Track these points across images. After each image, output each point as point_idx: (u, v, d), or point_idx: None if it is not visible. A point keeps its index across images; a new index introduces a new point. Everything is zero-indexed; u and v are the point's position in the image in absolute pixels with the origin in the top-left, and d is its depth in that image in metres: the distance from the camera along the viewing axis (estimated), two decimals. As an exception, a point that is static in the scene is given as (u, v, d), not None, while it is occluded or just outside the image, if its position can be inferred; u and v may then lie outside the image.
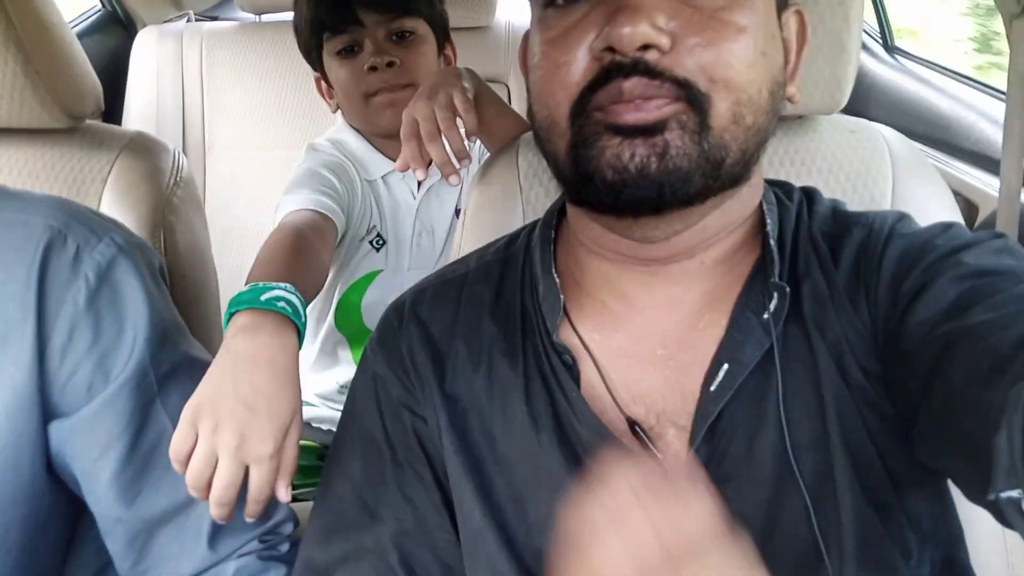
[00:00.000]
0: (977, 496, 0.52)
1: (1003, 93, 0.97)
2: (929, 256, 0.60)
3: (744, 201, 0.64)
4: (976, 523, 0.68)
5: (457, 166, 0.95)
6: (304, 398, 1.40)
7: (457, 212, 1.32)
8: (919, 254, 0.60)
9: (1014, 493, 0.41)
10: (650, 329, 0.65)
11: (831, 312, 0.62)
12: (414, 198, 1.31)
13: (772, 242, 0.63)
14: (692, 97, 0.55)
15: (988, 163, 1.30)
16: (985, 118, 1.34)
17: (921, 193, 0.87)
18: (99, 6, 2.04)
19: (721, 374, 0.61)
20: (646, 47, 0.55)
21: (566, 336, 0.66)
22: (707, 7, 0.56)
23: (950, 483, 0.62)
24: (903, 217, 0.66)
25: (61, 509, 0.75)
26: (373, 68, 1.19)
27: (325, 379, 1.43)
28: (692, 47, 0.56)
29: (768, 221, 0.64)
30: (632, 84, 0.55)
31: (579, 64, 0.58)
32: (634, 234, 0.62)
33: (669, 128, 0.55)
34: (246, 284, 0.82)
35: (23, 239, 0.71)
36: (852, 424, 0.60)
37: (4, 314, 0.70)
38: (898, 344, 0.59)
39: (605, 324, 0.66)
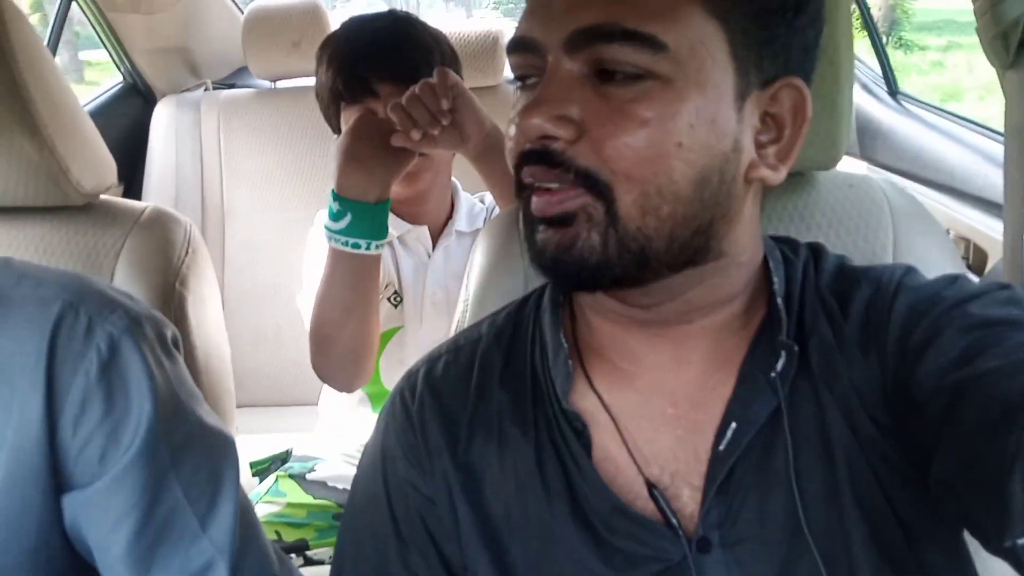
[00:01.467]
0: (994, 545, 0.51)
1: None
2: (937, 308, 0.60)
3: (733, 276, 0.64)
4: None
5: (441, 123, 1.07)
6: (326, 456, 1.43)
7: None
8: (927, 307, 0.60)
9: None
10: (660, 388, 0.65)
11: (840, 366, 0.62)
12: (429, 256, 1.34)
13: (779, 301, 0.63)
14: (595, 188, 0.56)
15: (996, 208, 1.29)
16: (992, 162, 1.34)
17: (922, 244, 0.87)
18: (121, 79, 2.11)
19: (729, 433, 0.61)
20: (549, 137, 0.57)
21: (579, 398, 0.67)
22: (616, 99, 0.56)
23: (967, 535, 0.62)
24: (910, 270, 0.66)
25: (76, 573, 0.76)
26: None
27: (348, 438, 1.45)
28: (596, 139, 0.56)
29: (775, 280, 0.64)
30: (532, 171, 0.58)
31: (514, 143, 0.60)
32: (624, 299, 0.62)
33: (578, 221, 0.57)
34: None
35: (36, 313, 0.73)
36: (863, 477, 0.60)
37: (12, 384, 0.71)
38: (908, 395, 0.59)
39: (616, 384, 0.66)
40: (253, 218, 1.95)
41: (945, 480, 0.55)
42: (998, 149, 1.35)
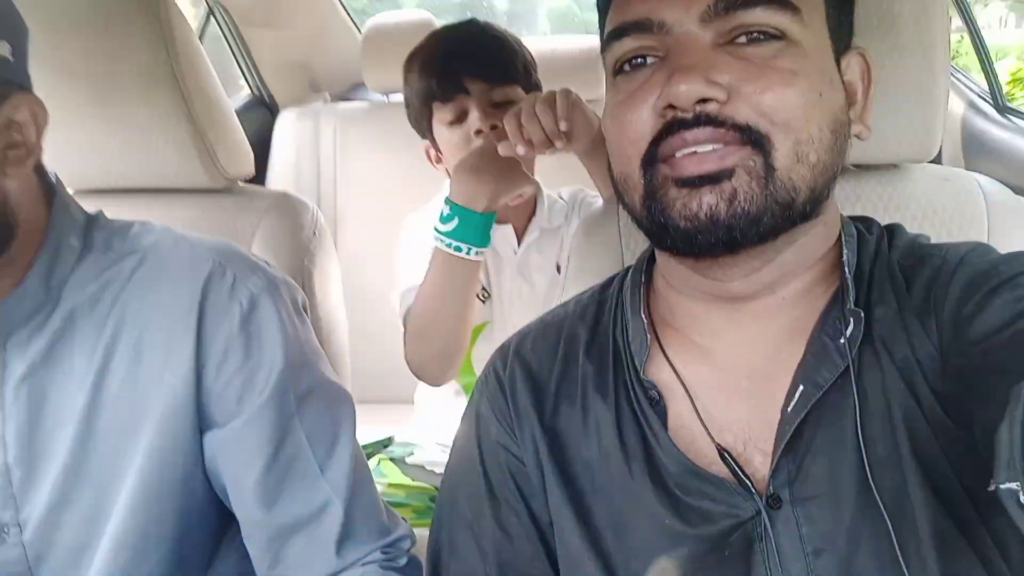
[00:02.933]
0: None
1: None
2: (992, 281, 0.62)
3: (820, 238, 0.68)
4: None
5: (552, 144, 1.10)
6: (423, 442, 1.51)
7: (558, 268, 1.39)
8: (983, 280, 0.63)
9: (1013, 485, 0.43)
10: (735, 363, 0.69)
11: (901, 335, 0.65)
12: (515, 253, 1.41)
13: (847, 272, 0.67)
14: (754, 140, 0.60)
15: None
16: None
17: (1018, 236, 0.88)
18: (248, 91, 2.27)
19: (797, 395, 0.64)
20: (704, 101, 0.60)
21: (657, 371, 0.71)
22: (758, 58, 0.62)
23: None
24: (979, 247, 0.68)
25: (210, 509, 0.85)
26: (479, 132, 1.30)
27: (444, 428, 1.52)
28: (749, 95, 0.61)
29: (846, 252, 0.68)
30: (694, 134, 0.61)
31: (645, 121, 0.63)
32: (714, 274, 0.66)
33: (736, 175, 0.61)
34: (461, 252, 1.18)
35: (191, 269, 0.83)
36: (924, 442, 0.62)
37: (170, 330, 0.81)
38: (957, 365, 0.61)
39: (694, 359, 0.71)
40: (363, 225, 2.05)
41: (982, 442, 0.55)
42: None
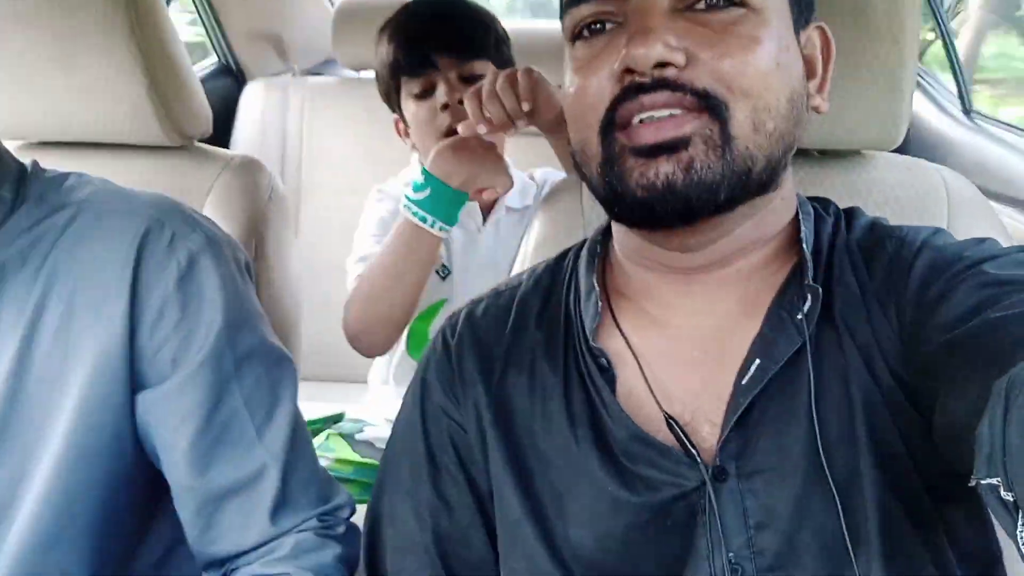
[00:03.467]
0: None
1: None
2: (955, 266, 0.62)
3: (777, 212, 0.68)
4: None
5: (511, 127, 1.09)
6: (374, 419, 1.49)
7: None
8: (946, 265, 0.62)
9: (993, 480, 0.42)
10: (688, 333, 0.68)
11: (862, 315, 0.64)
12: (479, 231, 1.39)
13: (806, 247, 0.66)
14: (712, 106, 0.59)
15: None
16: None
17: (978, 229, 0.87)
18: (215, 59, 2.22)
19: (753, 368, 0.64)
20: (663, 65, 0.59)
21: (608, 339, 0.70)
22: (717, 23, 0.61)
23: None
24: (938, 231, 0.68)
25: (141, 473, 0.82)
26: (446, 106, 1.28)
27: (396, 405, 1.49)
28: (707, 60, 0.60)
29: (803, 229, 0.67)
30: (652, 98, 0.60)
31: (603, 87, 0.62)
32: (671, 244, 0.66)
33: (693, 144, 0.59)
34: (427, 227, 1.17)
35: (127, 224, 0.80)
36: (881, 423, 0.62)
37: (103, 285, 0.78)
38: (919, 351, 0.60)
39: (646, 328, 0.70)
40: (327, 201, 2.02)
41: (947, 430, 0.55)
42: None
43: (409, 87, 1.33)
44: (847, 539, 0.60)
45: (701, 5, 0.61)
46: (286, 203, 1.16)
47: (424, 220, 1.18)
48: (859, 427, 0.62)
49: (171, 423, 0.79)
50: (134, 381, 0.79)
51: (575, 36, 0.65)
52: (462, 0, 1.37)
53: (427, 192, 1.16)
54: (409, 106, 1.35)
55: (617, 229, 0.73)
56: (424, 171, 1.17)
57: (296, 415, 0.84)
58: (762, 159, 0.61)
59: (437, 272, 1.38)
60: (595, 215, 0.95)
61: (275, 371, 0.85)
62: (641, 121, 0.61)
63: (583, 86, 0.64)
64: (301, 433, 0.85)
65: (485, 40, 1.33)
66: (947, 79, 1.79)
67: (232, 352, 0.81)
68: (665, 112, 0.60)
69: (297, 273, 1.23)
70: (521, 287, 0.79)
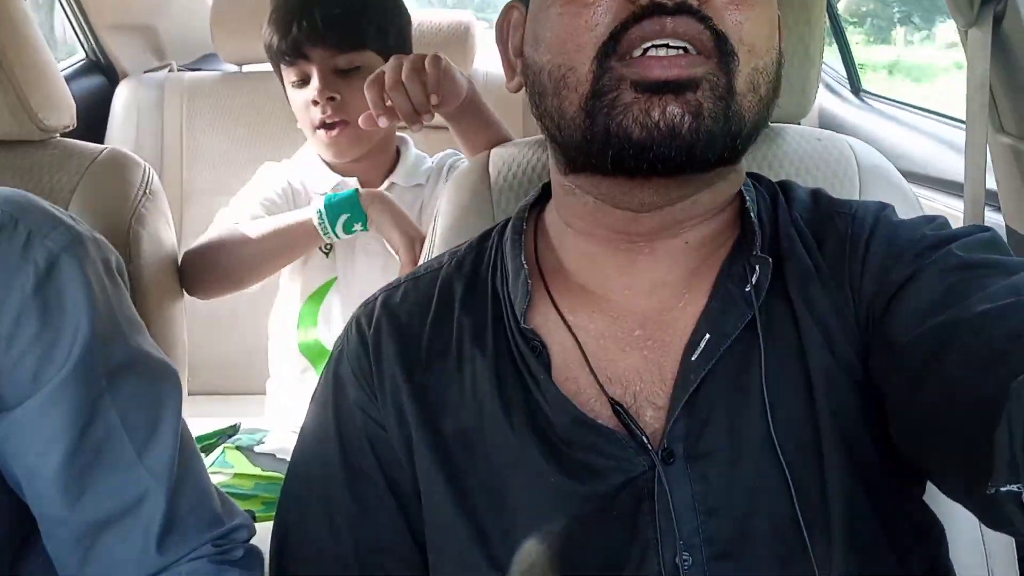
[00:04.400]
0: (961, 492, 0.51)
1: (963, 122, 0.99)
2: (918, 246, 0.59)
3: (731, 182, 0.65)
4: (954, 529, 0.66)
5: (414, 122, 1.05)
6: (275, 430, 1.40)
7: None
8: (907, 243, 0.60)
9: (1014, 487, 0.40)
10: (629, 310, 0.64)
11: (817, 291, 0.61)
12: None
13: (753, 216, 0.63)
14: (724, 52, 0.55)
15: (955, 188, 1.32)
16: (953, 148, 1.37)
17: (888, 198, 0.86)
18: (82, 55, 2.07)
19: (703, 343, 0.60)
20: None
21: (542, 320, 0.66)
22: None
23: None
24: (886, 207, 0.66)
25: (4, 511, 0.72)
26: (315, 102, 1.25)
27: (295, 414, 1.41)
28: (725, 5, 0.56)
29: (748, 199, 0.65)
30: (675, 22, 0.54)
31: (608, 6, 0.56)
32: (632, 200, 0.61)
33: (702, 88, 0.55)
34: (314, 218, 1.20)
35: None
36: (842, 402, 0.59)
37: None
38: (885, 334, 0.58)
39: (583, 306, 0.65)
40: (213, 203, 1.87)
41: (919, 423, 0.53)
42: (956, 134, 1.38)
43: (287, 75, 1.31)
44: (803, 523, 0.56)
45: None
46: (162, 199, 1.06)
47: (326, 233, 1.20)
48: (820, 405, 0.59)
49: (35, 448, 0.70)
50: None
51: None
52: None
53: (345, 217, 1.19)
54: (290, 92, 1.33)
55: (564, 189, 0.66)
56: (356, 196, 1.18)
57: (182, 430, 0.76)
58: (749, 123, 0.58)
59: (321, 249, 1.35)
60: (504, 199, 0.90)
61: (156, 383, 0.76)
62: (644, 52, 0.55)
63: (578, 4, 0.56)
64: (189, 450, 0.76)
65: (363, 30, 1.27)
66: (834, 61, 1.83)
67: (103, 364, 0.72)
68: (679, 45, 0.55)
69: (177, 270, 1.13)
70: (442, 269, 0.73)
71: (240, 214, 1.29)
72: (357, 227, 1.21)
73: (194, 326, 1.29)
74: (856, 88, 1.70)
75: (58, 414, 0.69)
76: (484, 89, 1.93)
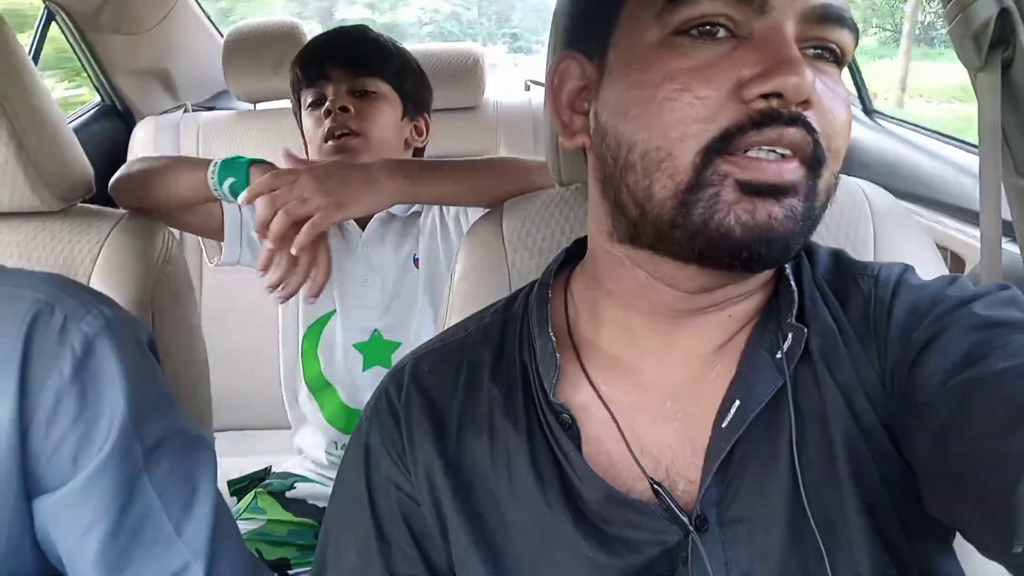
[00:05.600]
0: (995, 551, 0.50)
1: (975, 146, 0.98)
2: (940, 307, 0.60)
3: None
4: None
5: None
6: (302, 470, 1.41)
7: (415, 261, 1.33)
8: (930, 305, 0.60)
9: None
10: (662, 383, 0.65)
11: (841, 354, 0.62)
12: (359, 237, 1.34)
13: (793, 284, 0.64)
14: (817, 158, 0.55)
15: (972, 216, 1.31)
16: (965, 173, 1.36)
17: (903, 243, 0.87)
18: (99, 99, 2.10)
19: (733, 410, 0.60)
20: (806, 102, 0.54)
21: (573, 392, 0.66)
22: (829, 78, 0.57)
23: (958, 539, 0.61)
24: (908, 268, 0.66)
25: None
26: (328, 112, 1.29)
27: (315, 448, 1.44)
28: (824, 111, 0.56)
29: (787, 266, 0.65)
30: (792, 133, 0.54)
31: (719, 102, 0.55)
32: (692, 284, 0.61)
33: (797, 193, 0.55)
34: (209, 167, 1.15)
35: (11, 311, 0.72)
36: (864, 464, 0.59)
37: None
38: (910, 395, 0.58)
39: (616, 378, 0.66)
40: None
41: (947, 483, 0.54)
42: (972, 160, 1.38)
43: (305, 98, 1.36)
44: None
45: (810, 52, 0.57)
46: (181, 259, 1.07)
47: (215, 188, 1.16)
48: (841, 469, 0.59)
49: (77, 530, 0.71)
50: (30, 486, 0.71)
51: (680, 31, 0.57)
52: (369, 30, 1.41)
53: (231, 180, 1.15)
54: (304, 120, 1.36)
55: (612, 261, 0.65)
56: (245, 168, 1.15)
57: (218, 502, 0.77)
58: (816, 224, 0.58)
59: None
60: (518, 257, 0.91)
61: (191, 456, 0.77)
62: (757, 155, 0.55)
63: (695, 94, 0.55)
64: (225, 521, 0.78)
65: (381, 61, 1.35)
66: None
67: (140, 443, 0.73)
68: (786, 151, 0.55)
69: (201, 330, 1.15)
70: (470, 338, 0.72)
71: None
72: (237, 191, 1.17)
73: (218, 364, 1.31)
74: (868, 109, 1.69)
75: (98, 496, 0.71)
76: (496, 120, 1.98)
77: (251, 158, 1.16)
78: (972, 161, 1.36)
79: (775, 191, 0.54)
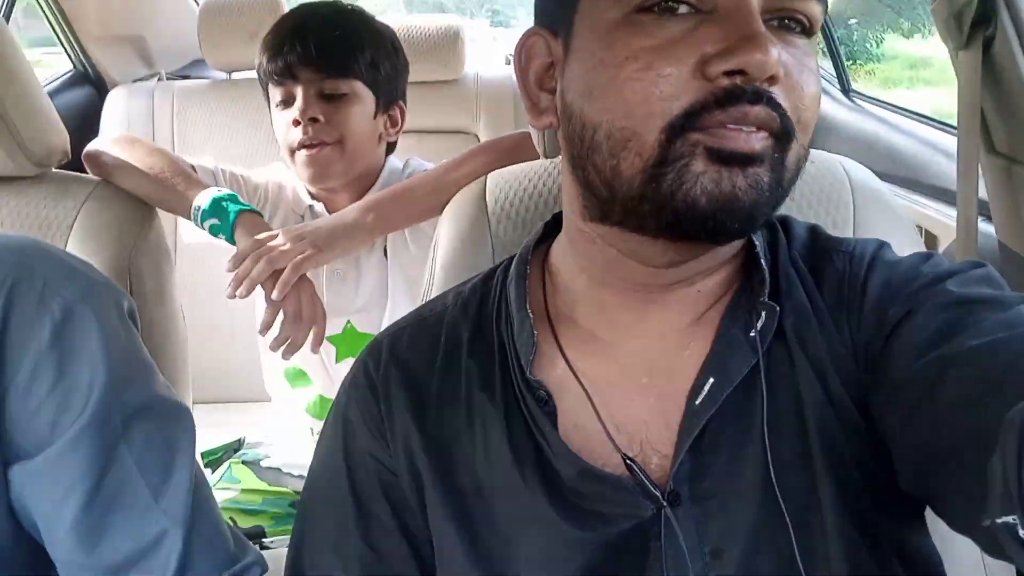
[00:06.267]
0: (964, 524, 0.51)
1: (951, 126, 1.00)
2: (913, 284, 0.60)
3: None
4: (955, 555, 0.68)
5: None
6: (276, 440, 1.42)
7: (384, 252, 1.34)
8: (903, 282, 0.61)
9: (1009, 519, 0.40)
10: (638, 358, 0.65)
11: (814, 331, 0.62)
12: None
13: (763, 262, 0.64)
14: (785, 131, 0.55)
15: (946, 195, 1.33)
16: (941, 152, 1.38)
17: (882, 220, 0.87)
18: (71, 67, 2.06)
19: (707, 388, 0.61)
20: (771, 78, 0.53)
21: (549, 367, 0.66)
22: (799, 49, 0.56)
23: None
24: (883, 245, 0.66)
25: (20, 552, 0.73)
26: (297, 122, 1.25)
27: (291, 424, 1.44)
28: (792, 85, 0.55)
29: (757, 244, 0.65)
30: (756, 112, 0.53)
31: (683, 80, 0.54)
32: (662, 258, 0.61)
33: (762, 162, 0.55)
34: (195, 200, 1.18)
35: None
36: (835, 442, 0.60)
37: None
38: (884, 371, 0.59)
39: (592, 354, 0.66)
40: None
41: (918, 457, 0.54)
42: (948, 140, 1.39)
43: (273, 95, 1.31)
44: (801, 565, 0.57)
45: (774, 23, 0.56)
46: (159, 228, 1.06)
47: (195, 220, 1.20)
48: (814, 448, 0.60)
49: (54, 496, 0.71)
50: (7, 451, 0.70)
51: (642, 7, 0.56)
52: (345, 13, 1.31)
53: (214, 221, 1.19)
54: (274, 117, 1.32)
55: (585, 239, 0.65)
56: (231, 219, 1.18)
57: (196, 471, 0.77)
58: (784, 196, 0.58)
59: None
60: (502, 228, 0.90)
61: (169, 425, 0.76)
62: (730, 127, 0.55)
63: (659, 73, 0.54)
64: (202, 490, 0.77)
65: (352, 60, 1.27)
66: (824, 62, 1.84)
67: (119, 411, 0.72)
68: (751, 128, 0.54)
69: (179, 301, 1.14)
70: (448, 312, 0.72)
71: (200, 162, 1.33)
72: (221, 236, 1.21)
73: (193, 337, 1.31)
74: (846, 88, 1.71)
75: (76, 462, 0.70)
76: (477, 93, 1.97)
77: (240, 206, 1.18)
78: (949, 141, 1.38)
79: (743, 159, 0.54)
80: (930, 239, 1.31)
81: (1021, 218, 0.93)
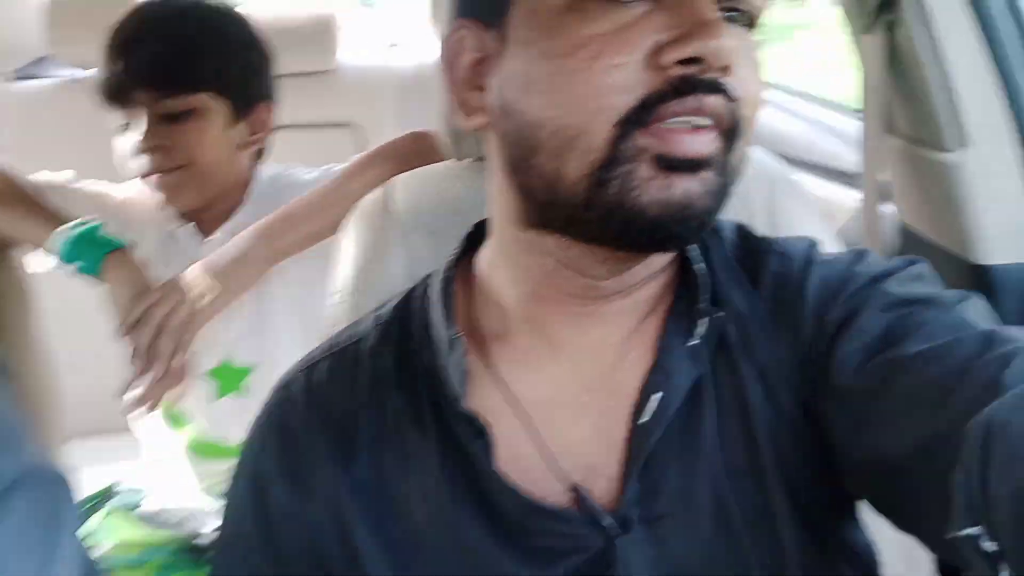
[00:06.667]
0: (921, 533, 0.51)
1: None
2: (851, 285, 0.59)
3: None
4: (883, 547, 0.68)
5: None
6: (155, 483, 1.29)
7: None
8: (841, 283, 0.59)
9: (973, 531, 0.40)
10: (576, 374, 0.61)
11: (757, 335, 0.60)
12: (199, 247, 1.21)
13: (700, 266, 0.61)
14: (735, 132, 0.52)
15: (837, 176, 1.36)
16: (830, 132, 1.41)
17: (794, 208, 0.86)
18: None
19: (654, 404, 0.58)
20: (724, 68, 0.51)
21: (484, 394, 0.60)
22: (747, 41, 0.54)
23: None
24: (814, 244, 0.64)
25: None
26: (140, 151, 1.12)
27: (168, 461, 1.32)
28: (742, 78, 0.52)
29: (688, 249, 0.62)
30: (713, 101, 0.51)
31: (634, 70, 0.50)
32: (602, 268, 0.57)
33: (711, 165, 0.52)
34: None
35: None
36: (786, 452, 0.58)
37: None
38: (828, 377, 0.57)
39: (527, 373, 0.61)
40: (62, 228, 1.74)
41: (867, 463, 0.54)
42: (839, 120, 1.42)
43: (113, 116, 1.14)
44: None
45: (720, 14, 0.53)
46: (10, 259, 0.93)
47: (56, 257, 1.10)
48: (765, 458, 0.58)
49: None
50: None
51: None
52: (180, 12, 1.16)
53: (79, 264, 1.09)
54: (118, 141, 1.16)
55: (520, 250, 0.60)
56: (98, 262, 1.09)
57: (82, 548, 0.68)
58: (728, 197, 0.55)
59: None
60: (415, 236, 0.83)
61: (50, 493, 0.67)
62: (676, 126, 0.51)
63: (608, 61, 0.50)
64: (89, 568, 0.69)
65: (196, 70, 1.13)
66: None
67: None
68: (705, 121, 0.51)
69: (45, 355, 1.02)
70: (365, 340, 0.65)
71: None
72: (84, 276, 1.11)
73: (61, 367, 1.17)
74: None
75: None
76: (353, 84, 1.87)
77: (105, 246, 1.08)
78: (839, 121, 1.41)
79: (692, 165, 0.52)
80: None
81: (922, 200, 0.95)
